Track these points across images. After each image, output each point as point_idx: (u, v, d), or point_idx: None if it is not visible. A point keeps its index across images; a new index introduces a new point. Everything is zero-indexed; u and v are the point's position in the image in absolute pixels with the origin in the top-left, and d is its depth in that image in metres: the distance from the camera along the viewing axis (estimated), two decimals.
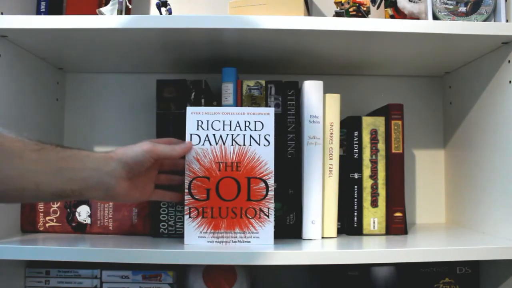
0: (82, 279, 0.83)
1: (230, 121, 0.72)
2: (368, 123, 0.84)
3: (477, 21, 0.79)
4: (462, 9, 0.79)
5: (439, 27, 0.73)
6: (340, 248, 0.71)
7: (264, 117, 0.72)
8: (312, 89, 0.79)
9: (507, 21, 0.78)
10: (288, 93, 0.81)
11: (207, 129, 0.72)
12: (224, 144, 0.71)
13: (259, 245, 0.71)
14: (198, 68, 0.97)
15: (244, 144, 0.72)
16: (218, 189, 0.71)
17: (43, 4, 0.90)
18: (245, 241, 0.71)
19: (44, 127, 0.92)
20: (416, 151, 1.04)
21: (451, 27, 0.73)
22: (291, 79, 0.82)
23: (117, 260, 0.66)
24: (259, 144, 0.72)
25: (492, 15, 0.80)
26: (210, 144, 0.72)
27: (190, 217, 0.71)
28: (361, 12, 0.82)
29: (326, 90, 0.80)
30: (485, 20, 0.79)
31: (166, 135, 0.79)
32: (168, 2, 0.85)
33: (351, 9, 0.82)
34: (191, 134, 0.72)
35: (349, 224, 0.83)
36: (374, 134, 0.83)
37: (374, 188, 0.83)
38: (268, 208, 0.71)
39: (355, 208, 0.83)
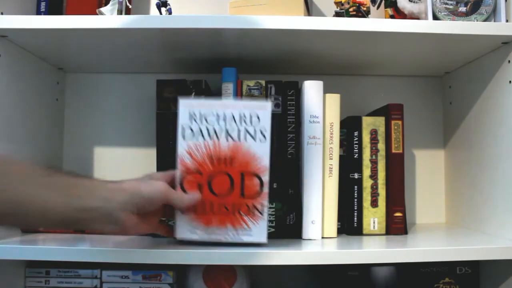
0: (82, 279, 0.83)
1: (225, 114, 0.69)
2: (368, 123, 0.84)
3: (477, 21, 0.79)
4: (462, 9, 0.79)
5: (439, 27, 0.73)
6: (340, 248, 0.71)
7: (261, 111, 0.70)
8: (312, 89, 0.79)
9: (507, 21, 0.78)
10: (288, 93, 0.81)
11: (201, 122, 0.69)
12: (218, 138, 0.69)
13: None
14: (198, 68, 0.97)
15: (239, 139, 0.69)
16: (210, 185, 0.69)
17: (43, 4, 0.90)
18: (237, 238, 0.69)
19: (44, 127, 0.92)
20: (416, 151, 1.04)
21: (451, 27, 0.73)
22: (291, 79, 0.82)
23: (117, 260, 0.66)
24: (254, 139, 0.69)
25: (492, 15, 0.80)
26: (204, 138, 0.69)
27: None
28: (361, 12, 0.82)
29: (326, 90, 0.80)
30: (485, 20, 0.79)
31: (166, 135, 0.79)
32: (168, 2, 0.85)
33: (351, 9, 0.82)
34: (182, 126, 0.69)
35: (349, 224, 0.83)
36: (374, 134, 0.83)
37: (374, 188, 0.83)
38: (262, 205, 0.69)
39: (355, 208, 0.83)
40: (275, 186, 0.78)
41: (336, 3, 0.84)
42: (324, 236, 0.79)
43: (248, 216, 0.69)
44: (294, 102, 0.80)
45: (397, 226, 0.83)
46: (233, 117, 0.69)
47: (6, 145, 0.78)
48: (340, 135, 0.81)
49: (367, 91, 1.03)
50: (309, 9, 0.89)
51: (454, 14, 0.79)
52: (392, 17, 0.87)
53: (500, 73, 0.80)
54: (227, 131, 0.69)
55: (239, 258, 0.67)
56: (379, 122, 0.84)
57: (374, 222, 0.83)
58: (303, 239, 0.77)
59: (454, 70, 0.98)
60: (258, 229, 0.69)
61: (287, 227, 0.79)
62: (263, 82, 0.81)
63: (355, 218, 0.83)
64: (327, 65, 0.94)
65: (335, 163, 0.80)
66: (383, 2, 0.89)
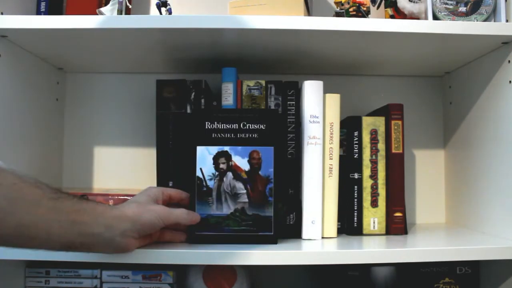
0: (82, 279, 0.83)
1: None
2: (368, 123, 0.84)
3: (477, 21, 0.79)
4: (462, 9, 0.79)
5: (439, 27, 0.73)
6: (340, 248, 0.71)
7: None
8: (312, 89, 0.78)
9: (507, 21, 0.78)
10: (288, 93, 0.81)
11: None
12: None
13: (259, 245, 0.70)
14: (198, 68, 0.97)
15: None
16: None
17: (43, 4, 0.90)
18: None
19: (44, 127, 0.92)
20: (416, 151, 1.04)
21: (451, 27, 0.73)
22: (291, 79, 0.82)
23: (117, 260, 0.66)
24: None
25: (492, 15, 0.80)
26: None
27: None
28: (361, 12, 0.82)
29: (326, 90, 0.80)
30: (485, 20, 0.79)
31: (166, 135, 0.79)
32: (168, 2, 0.85)
33: (351, 9, 0.82)
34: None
35: (349, 224, 0.83)
36: (374, 134, 0.83)
37: (374, 188, 0.83)
38: None
39: (355, 208, 0.83)
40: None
41: (336, 3, 0.84)
42: (324, 236, 0.79)
43: None
44: (294, 102, 0.80)
45: (397, 226, 0.83)
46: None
47: (7, 147, 0.78)
48: (340, 135, 0.81)
49: (367, 91, 1.03)
50: (309, 9, 0.89)
51: (454, 14, 0.79)
52: (392, 17, 0.87)
53: (500, 73, 0.80)
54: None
55: (239, 258, 0.67)
56: (379, 122, 0.84)
57: (374, 222, 0.83)
58: (303, 239, 0.77)
59: (454, 70, 0.98)
60: None
61: (287, 227, 0.79)
62: (263, 82, 0.81)
63: (355, 218, 0.83)
64: (327, 65, 0.94)
65: (335, 163, 0.80)
66: (383, 2, 0.89)
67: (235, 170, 0.73)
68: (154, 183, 0.80)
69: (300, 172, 0.79)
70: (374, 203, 0.83)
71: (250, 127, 0.74)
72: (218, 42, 0.80)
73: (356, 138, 0.83)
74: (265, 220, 0.72)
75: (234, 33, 0.75)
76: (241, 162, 0.73)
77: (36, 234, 0.56)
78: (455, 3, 0.79)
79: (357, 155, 0.83)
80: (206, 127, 0.74)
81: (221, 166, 0.73)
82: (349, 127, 0.84)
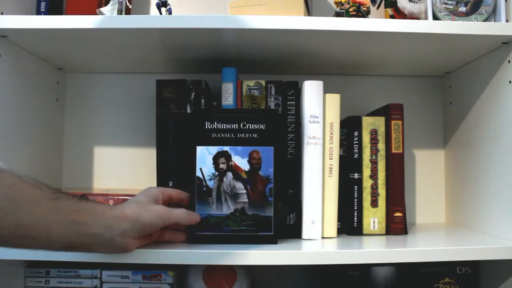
0: (82, 279, 0.83)
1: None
2: (368, 123, 0.84)
3: (477, 21, 0.79)
4: (462, 9, 0.79)
5: (439, 27, 0.73)
6: (340, 248, 0.71)
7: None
8: (312, 89, 0.78)
9: (507, 21, 0.78)
10: (288, 93, 0.81)
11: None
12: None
13: (259, 245, 0.70)
14: (198, 68, 0.97)
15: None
16: None
17: (43, 4, 0.90)
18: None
19: (44, 127, 0.92)
20: (416, 151, 1.04)
21: (451, 27, 0.73)
22: (291, 79, 0.82)
23: (117, 260, 0.66)
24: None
25: (492, 15, 0.80)
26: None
27: None
28: (361, 12, 0.82)
29: (326, 90, 0.80)
30: (485, 20, 0.79)
31: (166, 135, 0.79)
32: (168, 2, 0.85)
33: (351, 9, 0.82)
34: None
35: (349, 224, 0.83)
36: (374, 134, 0.83)
37: (374, 188, 0.83)
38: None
39: (355, 208, 0.83)
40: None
41: (336, 3, 0.84)
42: (324, 236, 0.79)
43: None
44: (294, 102, 0.80)
45: (397, 226, 0.83)
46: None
47: (7, 147, 0.78)
48: (340, 135, 0.81)
49: (367, 91, 1.03)
50: (309, 9, 0.89)
51: (454, 14, 0.79)
52: (392, 17, 0.87)
53: (500, 73, 0.80)
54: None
55: (239, 258, 0.67)
56: (379, 122, 0.84)
57: (374, 222, 0.83)
58: (303, 239, 0.77)
59: (454, 70, 0.98)
60: None
61: (287, 227, 0.79)
62: (263, 82, 0.81)
63: (355, 218, 0.83)
64: (327, 65, 0.94)
65: (335, 163, 0.80)
66: (383, 2, 0.89)
67: (235, 170, 0.73)
68: (154, 183, 0.80)
69: (300, 172, 0.79)
70: (374, 203, 0.83)
71: (250, 127, 0.74)
72: (218, 42, 0.80)
73: (356, 138, 0.83)
74: (265, 220, 0.72)
75: (234, 33, 0.75)
76: (241, 162, 0.73)
77: (36, 234, 0.56)
78: (455, 3, 0.79)
79: (357, 155, 0.83)
80: (206, 127, 0.74)
81: (221, 166, 0.73)
82: (349, 127, 0.84)
